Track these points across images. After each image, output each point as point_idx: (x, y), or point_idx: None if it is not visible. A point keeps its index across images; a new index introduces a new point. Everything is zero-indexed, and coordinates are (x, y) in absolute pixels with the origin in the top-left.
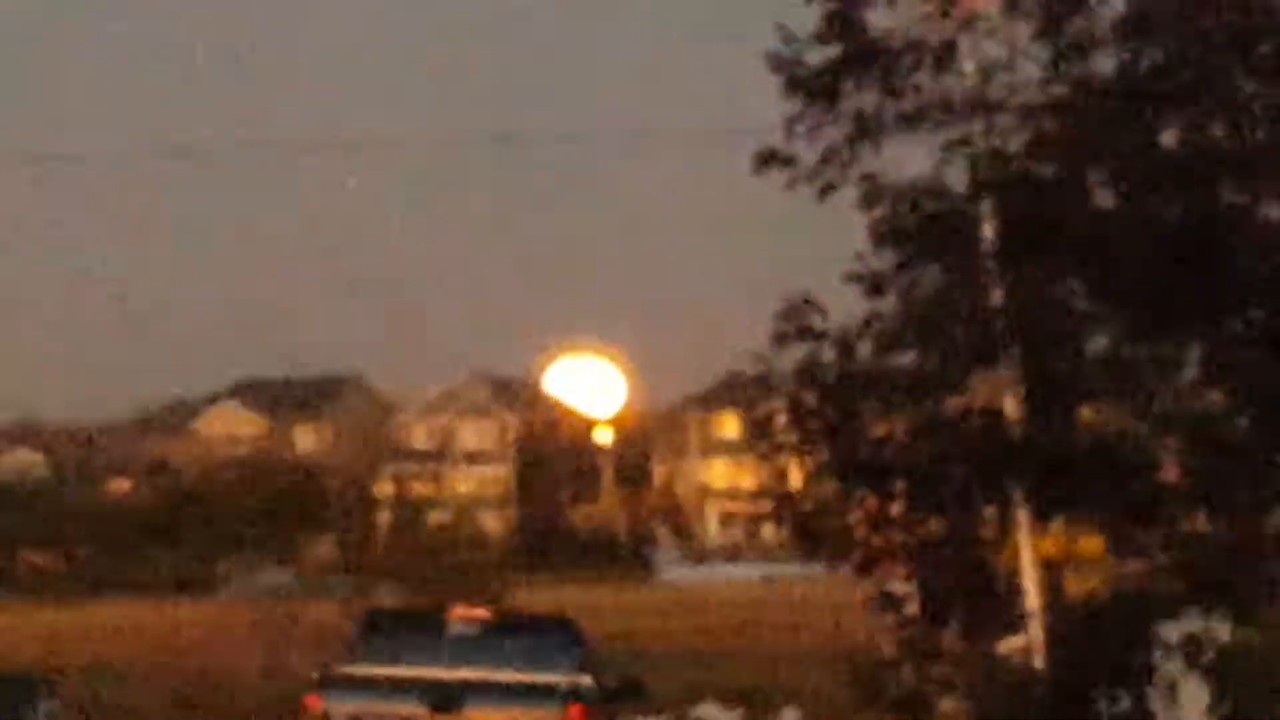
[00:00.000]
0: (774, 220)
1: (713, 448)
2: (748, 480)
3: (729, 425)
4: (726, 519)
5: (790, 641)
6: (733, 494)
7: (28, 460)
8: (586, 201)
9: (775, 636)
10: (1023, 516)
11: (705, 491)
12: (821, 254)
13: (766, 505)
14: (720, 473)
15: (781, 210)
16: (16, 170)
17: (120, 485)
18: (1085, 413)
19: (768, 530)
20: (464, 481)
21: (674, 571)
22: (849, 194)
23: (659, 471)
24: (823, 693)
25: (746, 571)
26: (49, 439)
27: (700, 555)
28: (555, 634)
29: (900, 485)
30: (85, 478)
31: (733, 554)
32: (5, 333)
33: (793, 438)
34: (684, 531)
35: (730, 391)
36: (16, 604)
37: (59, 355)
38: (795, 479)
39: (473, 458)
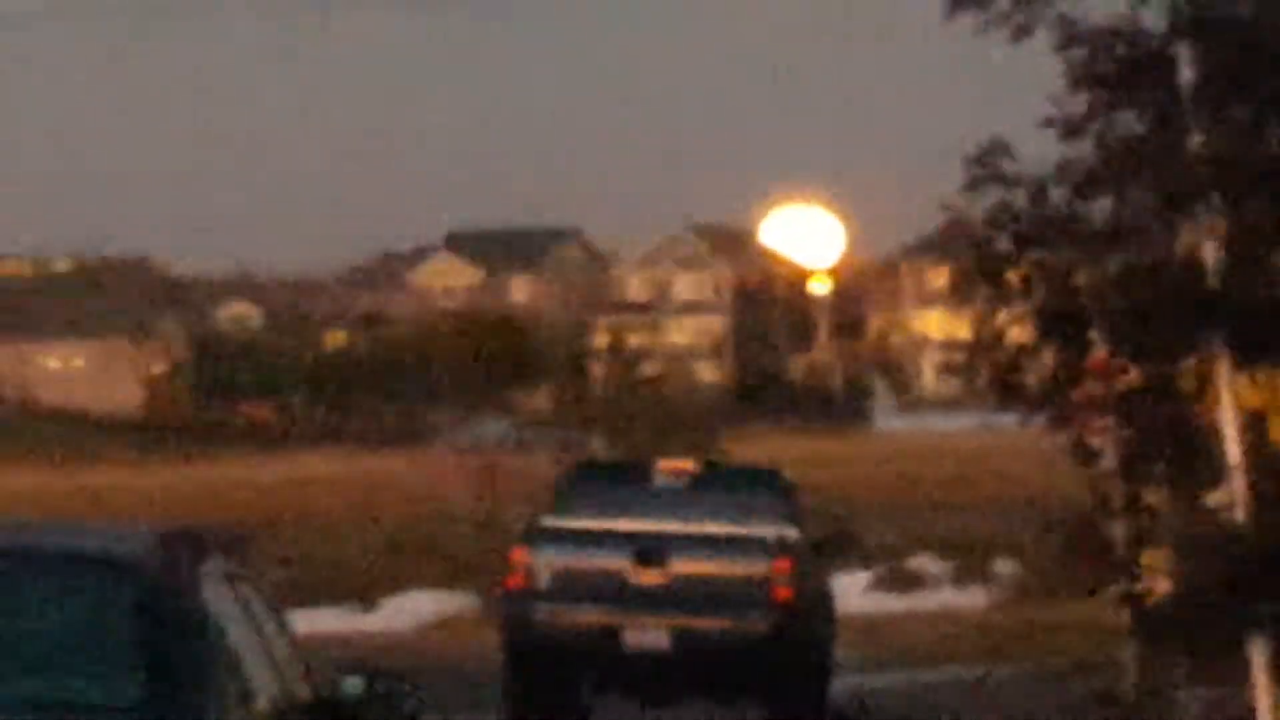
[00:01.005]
0: (975, 67)
1: (928, 298)
2: (964, 331)
3: (944, 276)
4: (942, 369)
5: (1004, 492)
6: (949, 344)
7: (244, 312)
8: (801, 49)
9: (989, 487)
10: (1223, 366)
11: (921, 342)
12: (1016, 101)
13: (967, 355)
14: (936, 323)
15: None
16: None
17: (335, 337)
18: None
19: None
20: (679, 333)
21: (889, 422)
22: (1043, 40)
23: (874, 322)
24: (1036, 545)
25: (962, 422)
26: (265, 291)
27: (915, 405)
28: (762, 485)
29: (1097, 335)
30: (301, 330)
31: (948, 404)
32: (222, 184)
33: (986, 286)
34: (899, 382)
35: (946, 241)
36: (233, 455)
37: (273, 208)
38: (995, 328)
39: (688, 309)
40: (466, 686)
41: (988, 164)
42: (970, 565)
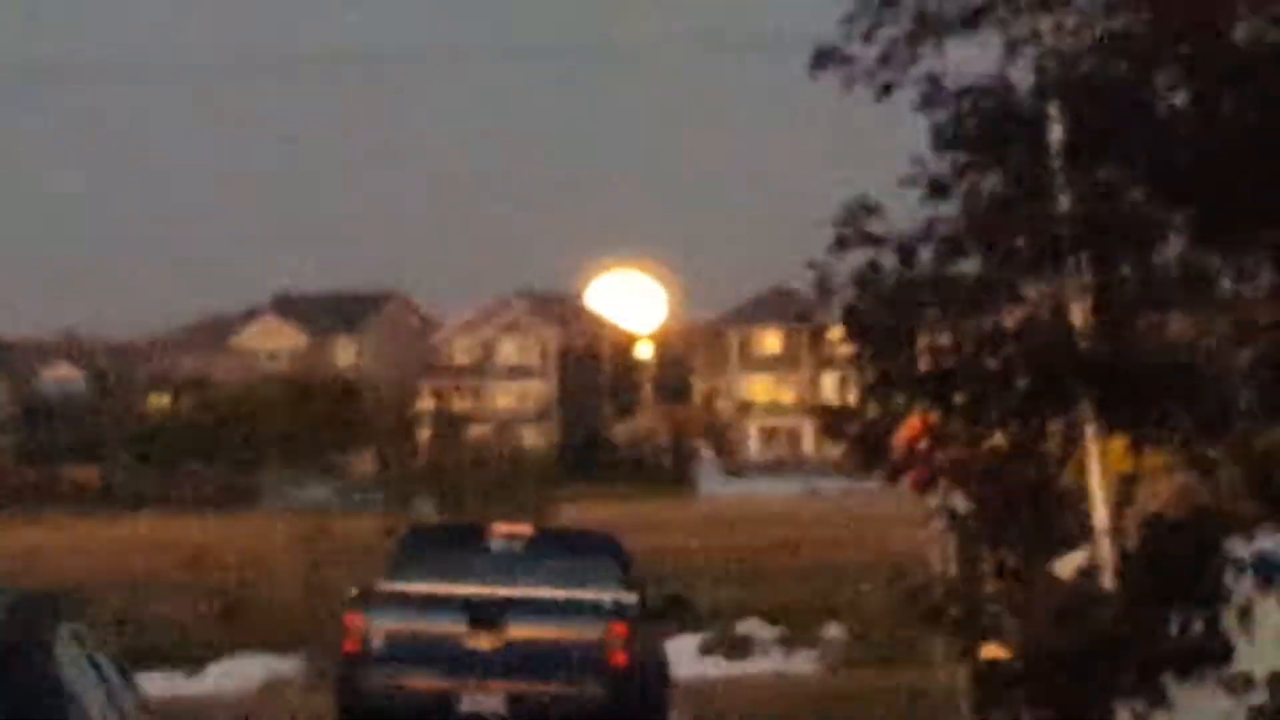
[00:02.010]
0: (814, 138)
1: (753, 363)
2: (788, 395)
3: (769, 341)
4: (767, 434)
5: (831, 557)
6: (773, 409)
7: (68, 375)
8: (627, 117)
9: (817, 552)
10: (1090, 430)
11: (746, 407)
12: (870, 166)
13: (821, 419)
14: (761, 388)
15: (822, 126)
16: (52, 83)
17: (160, 400)
18: (1155, 323)
19: (808, 445)
20: (505, 397)
21: (714, 486)
22: (900, 101)
23: (699, 387)
24: (864, 608)
25: (787, 486)
26: (89, 354)
27: (740, 470)
28: (598, 550)
29: (962, 398)
30: (125, 393)
31: (773, 469)
32: (45, 248)
33: (849, 349)
34: (724, 447)
35: (770, 307)
36: (57, 518)
37: (98, 271)
38: (844, 394)
39: (514, 373)
40: None
41: (853, 223)
42: (799, 631)
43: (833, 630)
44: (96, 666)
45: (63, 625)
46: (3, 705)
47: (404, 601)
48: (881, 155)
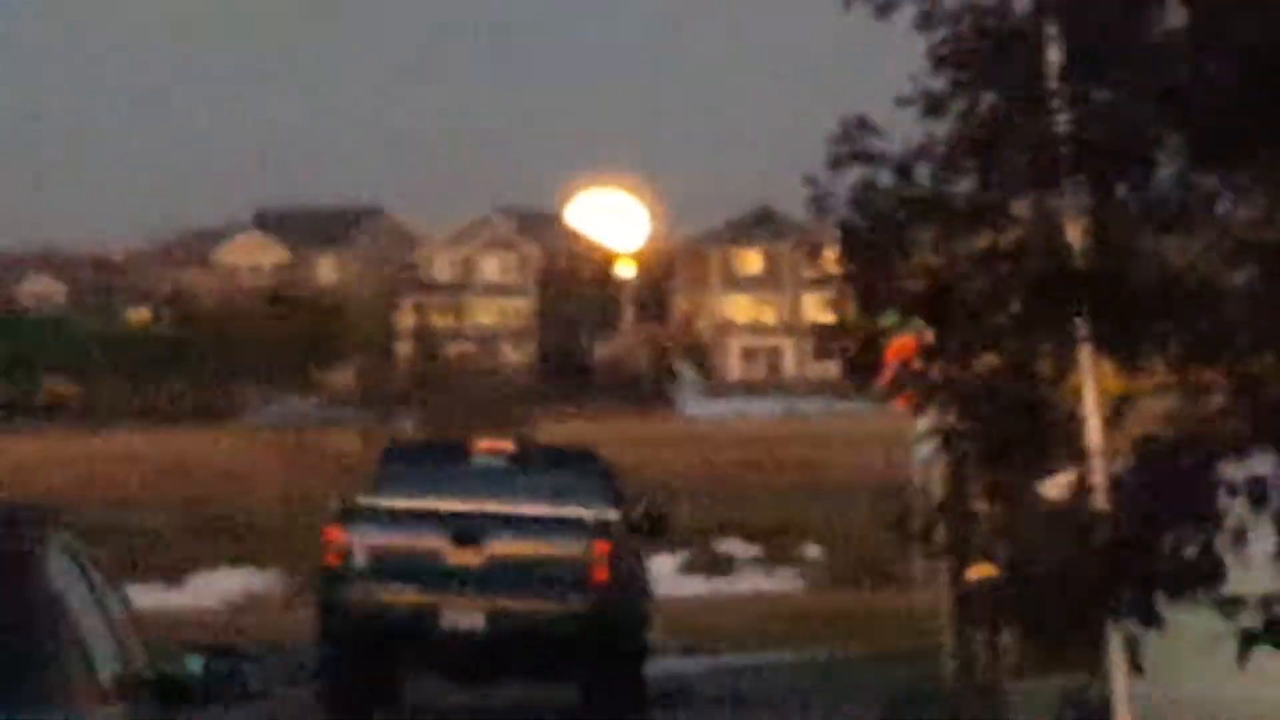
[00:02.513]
0: (797, 55)
1: (734, 283)
2: (769, 316)
3: (751, 260)
4: (748, 354)
5: (811, 477)
6: (754, 329)
7: (47, 288)
8: (612, 31)
9: (796, 473)
10: (1085, 351)
11: (726, 327)
12: (860, 87)
13: (813, 337)
14: (742, 308)
15: (809, 46)
16: None
17: (140, 314)
18: (1151, 244)
19: (789, 365)
20: (485, 314)
21: (694, 406)
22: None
23: (680, 306)
24: (842, 528)
25: (767, 407)
26: (69, 266)
27: (721, 390)
28: (581, 467)
29: (957, 316)
30: (105, 306)
31: (754, 389)
32: (25, 159)
33: (841, 266)
34: (705, 366)
35: (752, 227)
36: (36, 431)
37: (79, 182)
38: (833, 313)
39: (495, 290)
40: (279, 663)
41: (850, 141)
42: (779, 550)
43: (813, 550)
44: (87, 578)
45: (53, 536)
46: None
47: (385, 516)
48: (872, 77)
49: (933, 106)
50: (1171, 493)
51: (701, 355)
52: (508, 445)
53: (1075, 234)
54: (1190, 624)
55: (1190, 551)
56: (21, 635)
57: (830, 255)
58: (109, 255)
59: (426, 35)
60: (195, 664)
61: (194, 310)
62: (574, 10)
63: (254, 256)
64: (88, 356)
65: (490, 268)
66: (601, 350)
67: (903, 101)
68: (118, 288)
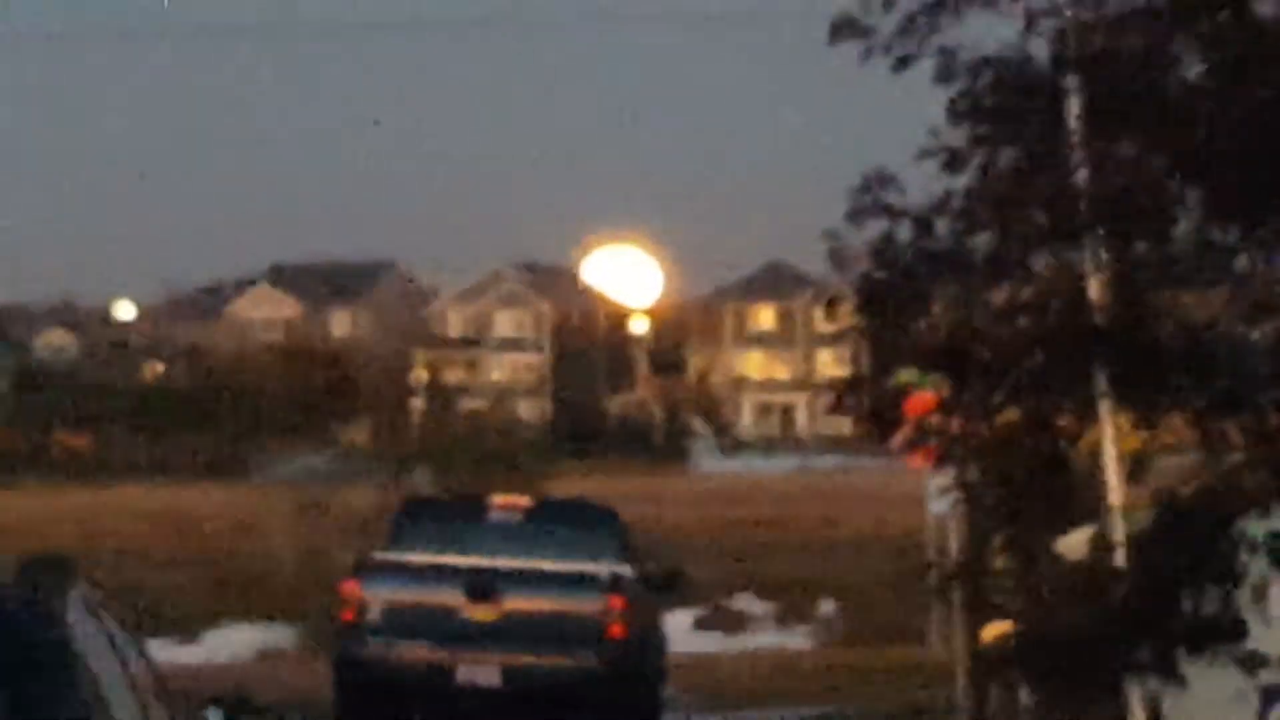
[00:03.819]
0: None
1: (748, 339)
2: (782, 371)
3: (764, 316)
4: (761, 410)
5: (824, 533)
6: (767, 385)
7: (62, 341)
8: (629, 87)
9: (809, 528)
10: (1104, 406)
11: (740, 382)
12: (876, 142)
13: (832, 392)
14: (755, 364)
15: (822, 101)
16: (40, 45)
17: (154, 368)
18: (1170, 299)
19: (802, 421)
20: (500, 369)
21: (708, 462)
22: (892, 77)
23: (694, 362)
24: (856, 584)
25: (781, 463)
26: (84, 320)
27: (734, 446)
28: (596, 523)
29: (976, 371)
30: (119, 359)
31: (767, 445)
32: (43, 213)
33: (861, 320)
34: (718, 422)
35: (766, 283)
36: (49, 485)
37: (95, 238)
38: (848, 367)
39: (509, 345)
40: (297, 718)
41: (872, 193)
42: (793, 606)
43: (827, 606)
44: (106, 631)
45: (72, 589)
46: (13, 668)
47: (401, 571)
48: (891, 131)
49: (952, 161)
50: (1191, 549)
51: (715, 411)
52: (523, 501)
53: (1095, 289)
54: (1211, 680)
55: (1210, 608)
56: (41, 688)
57: (848, 309)
58: (123, 310)
59: (441, 89)
60: (216, 717)
61: (207, 364)
62: (587, 65)
63: (267, 311)
64: (102, 410)
65: (504, 323)
66: (615, 406)
67: (923, 155)
68: (132, 341)
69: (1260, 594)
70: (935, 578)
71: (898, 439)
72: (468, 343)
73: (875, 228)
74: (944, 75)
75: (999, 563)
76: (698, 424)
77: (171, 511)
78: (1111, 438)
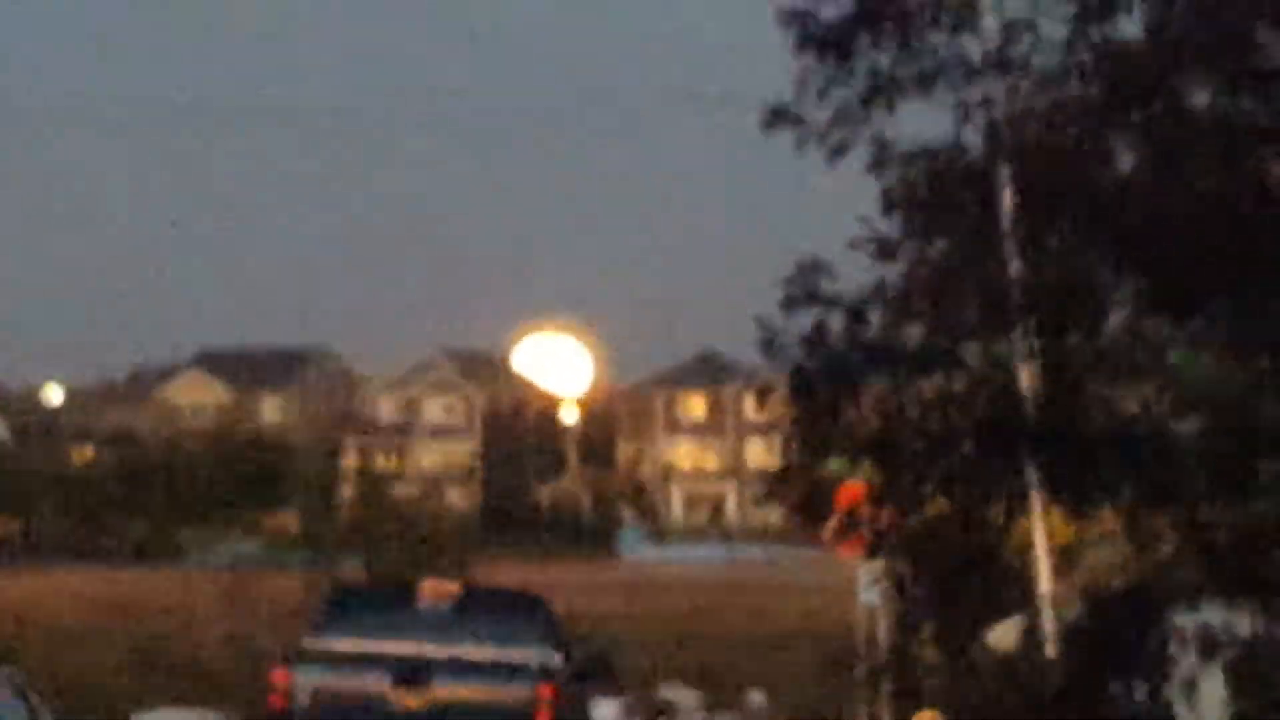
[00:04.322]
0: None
1: (677, 427)
2: (711, 461)
3: (694, 405)
4: (690, 500)
5: (752, 624)
6: (697, 475)
7: None
8: (557, 180)
9: (739, 619)
10: (1035, 497)
11: (669, 472)
12: (803, 231)
13: (762, 482)
14: (685, 453)
15: (751, 192)
16: None
17: (83, 453)
18: (1102, 392)
19: (731, 511)
20: (429, 456)
21: (637, 551)
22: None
23: (624, 451)
24: (785, 675)
25: (709, 553)
26: (12, 403)
27: (663, 535)
28: (525, 611)
29: (906, 461)
30: (47, 444)
31: (696, 535)
32: None
33: (790, 410)
34: (648, 511)
35: (695, 372)
36: None
37: (18, 322)
38: (777, 457)
39: (439, 432)
40: None
41: (804, 283)
42: (721, 696)
43: (756, 697)
44: (33, 713)
45: (1, 671)
46: None
47: (330, 659)
48: (824, 220)
49: (884, 250)
50: (1121, 641)
51: (644, 500)
52: (452, 589)
53: (1026, 380)
54: None
55: (1140, 700)
56: None
57: (779, 398)
58: (52, 393)
59: (375, 176)
60: None
61: (137, 449)
62: (519, 155)
63: (198, 396)
64: (29, 495)
65: (434, 410)
66: (545, 494)
67: (854, 244)
68: (60, 426)
69: (1190, 687)
70: (864, 668)
71: (828, 529)
72: (398, 429)
73: (807, 317)
74: (877, 165)
75: (928, 653)
76: (627, 514)
77: (101, 596)
78: (1041, 528)
